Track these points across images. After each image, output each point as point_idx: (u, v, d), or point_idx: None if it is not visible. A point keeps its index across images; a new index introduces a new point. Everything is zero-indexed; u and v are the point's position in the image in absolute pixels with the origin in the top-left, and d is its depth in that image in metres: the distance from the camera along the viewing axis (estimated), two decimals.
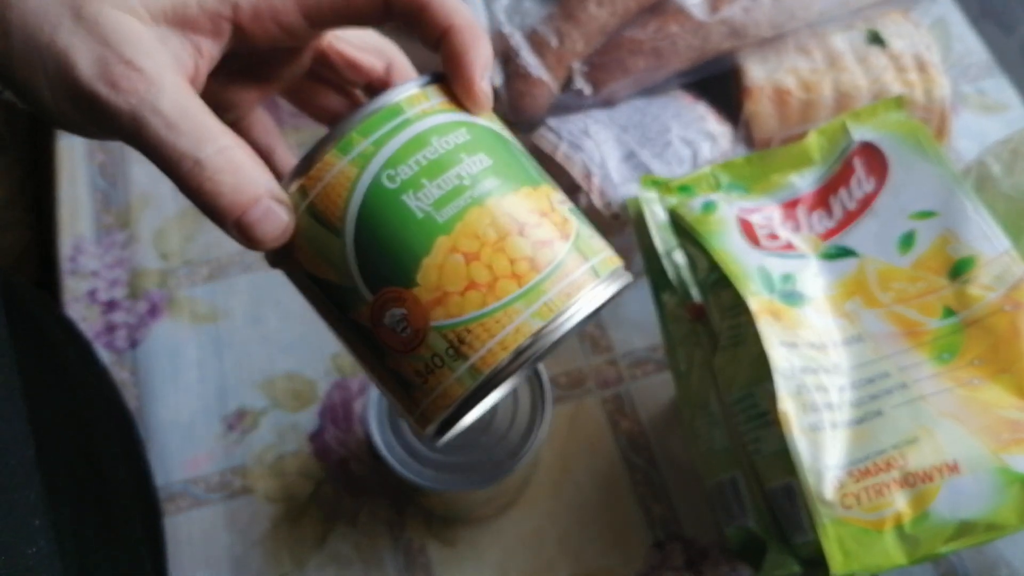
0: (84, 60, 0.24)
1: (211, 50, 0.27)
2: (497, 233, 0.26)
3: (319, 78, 0.34)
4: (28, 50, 0.25)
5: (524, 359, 0.26)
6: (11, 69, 0.26)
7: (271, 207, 0.26)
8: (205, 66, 0.28)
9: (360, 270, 0.27)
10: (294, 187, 0.28)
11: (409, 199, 0.26)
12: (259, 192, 0.26)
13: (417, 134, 0.27)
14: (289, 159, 0.35)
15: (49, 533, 0.31)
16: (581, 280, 0.27)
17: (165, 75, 0.25)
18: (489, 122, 0.29)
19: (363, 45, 0.33)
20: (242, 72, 0.32)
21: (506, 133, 0.30)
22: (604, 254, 0.29)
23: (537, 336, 0.26)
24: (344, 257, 0.27)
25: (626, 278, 0.29)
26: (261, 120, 0.35)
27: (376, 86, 0.34)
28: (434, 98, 0.28)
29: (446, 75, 0.28)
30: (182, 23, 0.26)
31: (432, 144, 0.27)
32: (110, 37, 0.25)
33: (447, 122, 0.27)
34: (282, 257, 0.29)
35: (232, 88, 0.33)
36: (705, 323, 0.45)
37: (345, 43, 0.33)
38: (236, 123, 0.34)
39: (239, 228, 0.26)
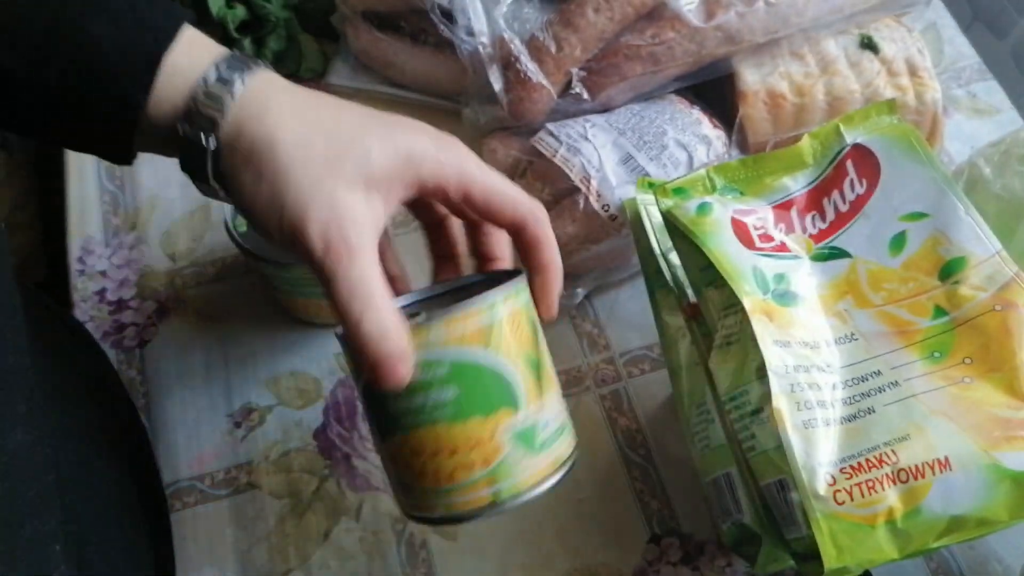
0: (315, 223, 0.32)
1: (397, 207, 0.35)
2: (434, 448, 0.34)
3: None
4: (272, 202, 0.33)
5: (431, 522, 0.36)
6: (253, 206, 0.33)
7: (397, 367, 0.32)
8: (390, 216, 0.35)
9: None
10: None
11: (387, 400, 0.35)
12: (392, 357, 0.32)
13: None
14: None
15: (70, 556, 0.32)
16: (479, 499, 0.35)
17: (362, 250, 0.33)
18: (481, 352, 0.34)
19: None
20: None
21: (497, 358, 0.35)
22: (526, 473, 0.35)
23: (437, 518, 0.36)
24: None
25: (542, 488, 0.36)
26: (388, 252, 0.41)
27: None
28: (434, 333, 0.34)
29: (456, 312, 0.34)
30: (386, 188, 0.34)
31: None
32: (336, 209, 0.32)
33: (433, 359, 0.34)
34: None
35: None
36: (700, 322, 0.46)
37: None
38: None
39: (371, 369, 0.32)
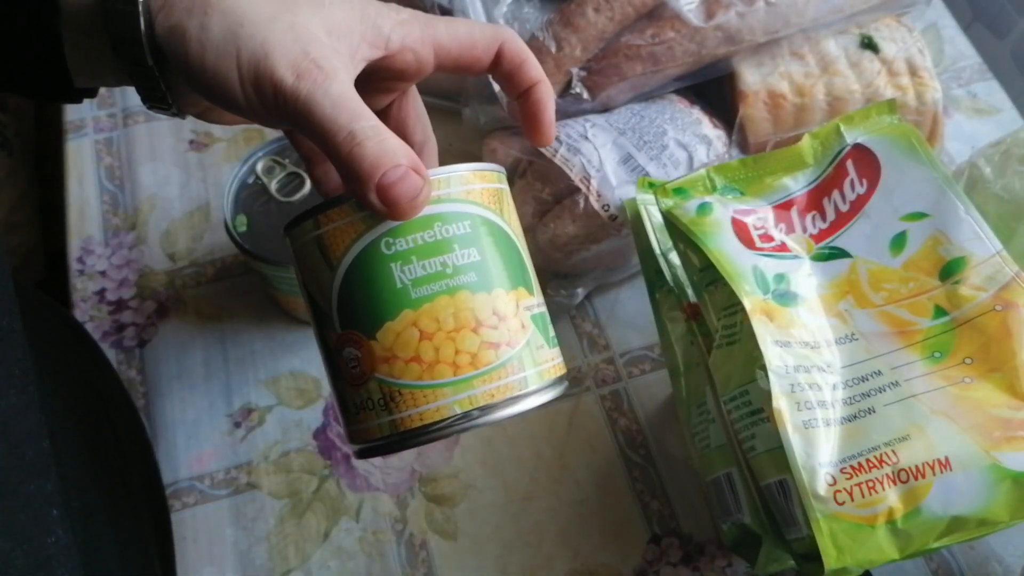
0: (280, 53, 0.30)
1: (361, 63, 0.32)
2: (455, 323, 0.30)
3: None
4: (226, 41, 0.30)
5: (434, 434, 0.30)
6: (203, 57, 0.30)
7: (409, 173, 0.29)
8: (356, 72, 0.32)
9: (338, 305, 0.31)
10: (311, 219, 0.31)
11: (396, 268, 0.30)
12: (399, 160, 0.29)
13: (424, 216, 0.30)
14: None
15: (66, 523, 0.31)
16: (508, 387, 0.30)
17: (338, 72, 0.30)
18: (498, 218, 0.32)
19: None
20: None
21: (511, 230, 0.32)
22: (546, 364, 0.32)
23: (451, 420, 0.30)
24: (330, 289, 0.31)
25: (559, 389, 0.32)
26: None
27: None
28: (455, 186, 0.31)
29: (471, 167, 0.32)
30: (348, 41, 0.31)
31: (433, 228, 0.30)
32: (301, 38, 0.30)
33: (455, 212, 0.30)
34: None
35: None
36: (700, 322, 0.46)
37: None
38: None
39: (379, 190, 0.29)
